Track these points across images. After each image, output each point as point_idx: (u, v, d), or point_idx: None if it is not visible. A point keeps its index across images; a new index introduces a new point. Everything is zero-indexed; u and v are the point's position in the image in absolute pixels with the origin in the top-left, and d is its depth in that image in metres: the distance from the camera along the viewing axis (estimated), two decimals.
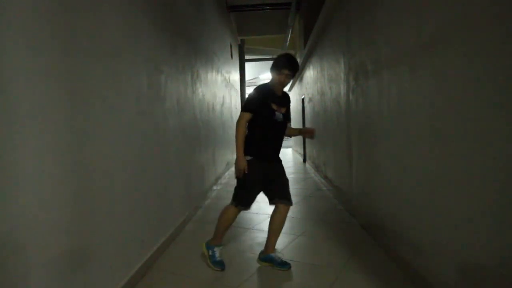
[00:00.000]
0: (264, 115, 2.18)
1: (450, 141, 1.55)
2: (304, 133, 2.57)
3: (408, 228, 2.05)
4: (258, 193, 2.29)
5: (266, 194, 2.32)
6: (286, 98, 2.35)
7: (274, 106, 2.21)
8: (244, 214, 3.46)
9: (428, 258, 1.80)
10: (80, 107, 1.52)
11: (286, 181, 2.33)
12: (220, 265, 2.25)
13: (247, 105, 2.22)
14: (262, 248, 2.43)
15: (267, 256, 2.31)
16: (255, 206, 4.18)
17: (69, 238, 1.42)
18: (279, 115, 2.22)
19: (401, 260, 2.15)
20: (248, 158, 2.18)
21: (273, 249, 2.34)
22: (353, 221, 3.26)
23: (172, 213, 2.90)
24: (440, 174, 1.65)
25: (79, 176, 1.50)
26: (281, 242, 2.71)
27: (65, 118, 1.42)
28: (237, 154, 2.17)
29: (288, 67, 2.18)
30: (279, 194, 2.27)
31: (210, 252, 2.31)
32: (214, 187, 5.01)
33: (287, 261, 2.27)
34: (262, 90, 2.24)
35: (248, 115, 2.19)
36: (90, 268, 1.57)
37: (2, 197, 1.09)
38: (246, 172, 2.15)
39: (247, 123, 2.21)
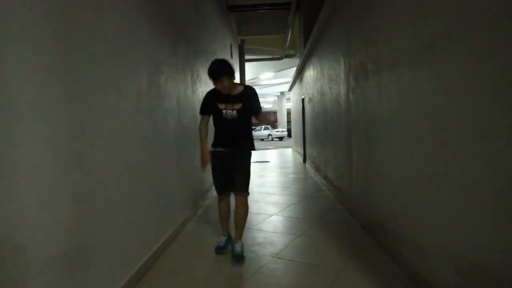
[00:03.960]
0: (215, 114, 2.50)
1: (450, 141, 1.55)
2: None
3: (408, 228, 2.05)
4: (224, 180, 2.53)
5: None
6: (241, 94, 2.47)
7: (221, 106, 2.44)
8: None
9: (428, 258, 1.80)
10: (81, 107, 1.53)
11: (240, 172, 2.46)
12: (217, 248, 2.55)
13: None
14: (262, 247, 2.54)
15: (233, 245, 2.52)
16: (255, 206, 4.16)
17: (69, 238, 1.42)
18: (228, 112, 2.43)
19: (401, 260, 2.15)
20: (210, 149, 2.54)
21: (239, 239, 2.51)
22: (353, 221, 3.26)
23: (172, 213, 2.90)
24: (440, 174, 1.65)
25: (79, 176, 1.50)
26: (281, 242, 2.71)
27: (65, 118, 1.42)
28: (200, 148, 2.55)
29: (209, 76, 2.40)
30: (233, 185, 2.49)
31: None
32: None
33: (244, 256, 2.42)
34: (207, 94, 2.55)
35: (203, 118, 2.56)
36: (90, 268, 1.57)
37: (2, 197, 1.09)
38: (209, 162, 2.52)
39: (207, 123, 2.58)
